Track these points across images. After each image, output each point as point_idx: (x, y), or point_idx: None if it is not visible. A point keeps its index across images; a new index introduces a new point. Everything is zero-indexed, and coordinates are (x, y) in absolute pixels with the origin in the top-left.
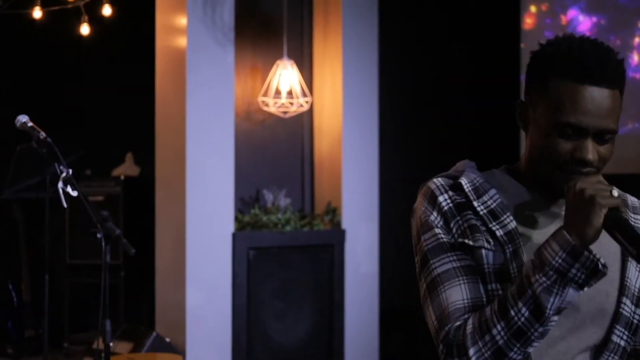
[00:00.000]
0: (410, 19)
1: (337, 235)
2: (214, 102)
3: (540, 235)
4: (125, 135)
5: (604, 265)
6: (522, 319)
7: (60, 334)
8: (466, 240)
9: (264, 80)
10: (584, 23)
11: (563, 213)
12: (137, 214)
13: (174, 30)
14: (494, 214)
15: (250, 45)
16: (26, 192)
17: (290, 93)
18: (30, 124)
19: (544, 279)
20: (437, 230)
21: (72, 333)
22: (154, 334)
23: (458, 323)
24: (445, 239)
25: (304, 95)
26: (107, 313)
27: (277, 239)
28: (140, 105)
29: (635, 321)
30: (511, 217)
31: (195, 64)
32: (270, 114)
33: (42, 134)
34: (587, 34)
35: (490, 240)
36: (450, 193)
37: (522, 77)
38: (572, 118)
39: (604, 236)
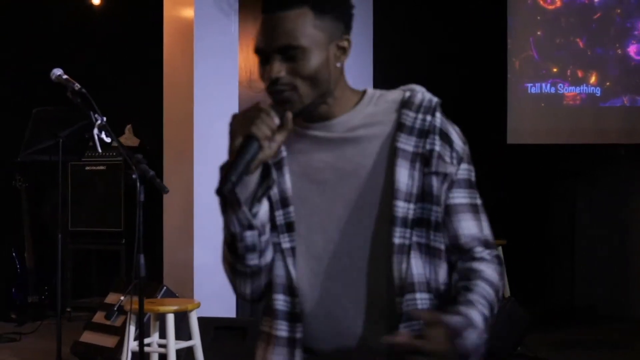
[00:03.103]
0: (403, 4)
1: None
2: (220, 70)
3: (308, 163)
4: (125, 108)
5: (233, 184)
6: (225, 231)
7: (63, 299)
8: None
9: None
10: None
11: (320, 134)
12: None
13: (181, 0)
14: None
15: (252, 15)
16: (40, 154)
17: None
18: (65, 76)
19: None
20: None
21: (75, 298)
22: (164, 287)
23: None
24: None
25: None
26: (141, 247)
27: None
28: (141, 79)
29: (410, 216)
30: (284, 149)
31: (202, 33)
32: None
33: (77, 85)
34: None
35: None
36: None
37: (509, 46)
38: (256, 44)
39: (372, 144)
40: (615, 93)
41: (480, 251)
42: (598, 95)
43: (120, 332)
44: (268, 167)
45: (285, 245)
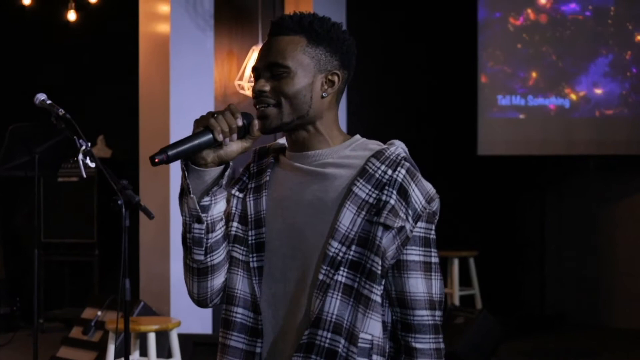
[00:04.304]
0: (375, 19)
1: None
2: (196, 84)
3: (280, 189)
4: (97, 119)
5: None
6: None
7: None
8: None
9: (239, 65)
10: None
11: (303, 167)
12: (111, 194)
13: (157, 16)
14: (260, 172)
15: (226, 31)
16: (15, 171)
17: None
18: (48, 101)
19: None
20: None
21: (47, 310)
22: (142, 303)
23: None
24: None
25: None
26: (127, 272)
27: None
28: (114, 90)
29: (340, 258)
30: (268, 174)
31: (178, 48)
32: (246, 97)
33: (61, 110)
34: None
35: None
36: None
37: (480, 57)
38: (254, 64)
39: (334, 183)
40: (586, 105)
41: (420, 316)
42: (568, 107)
43: (98, 347)
44: (226, 168)
45: (253, 264)
